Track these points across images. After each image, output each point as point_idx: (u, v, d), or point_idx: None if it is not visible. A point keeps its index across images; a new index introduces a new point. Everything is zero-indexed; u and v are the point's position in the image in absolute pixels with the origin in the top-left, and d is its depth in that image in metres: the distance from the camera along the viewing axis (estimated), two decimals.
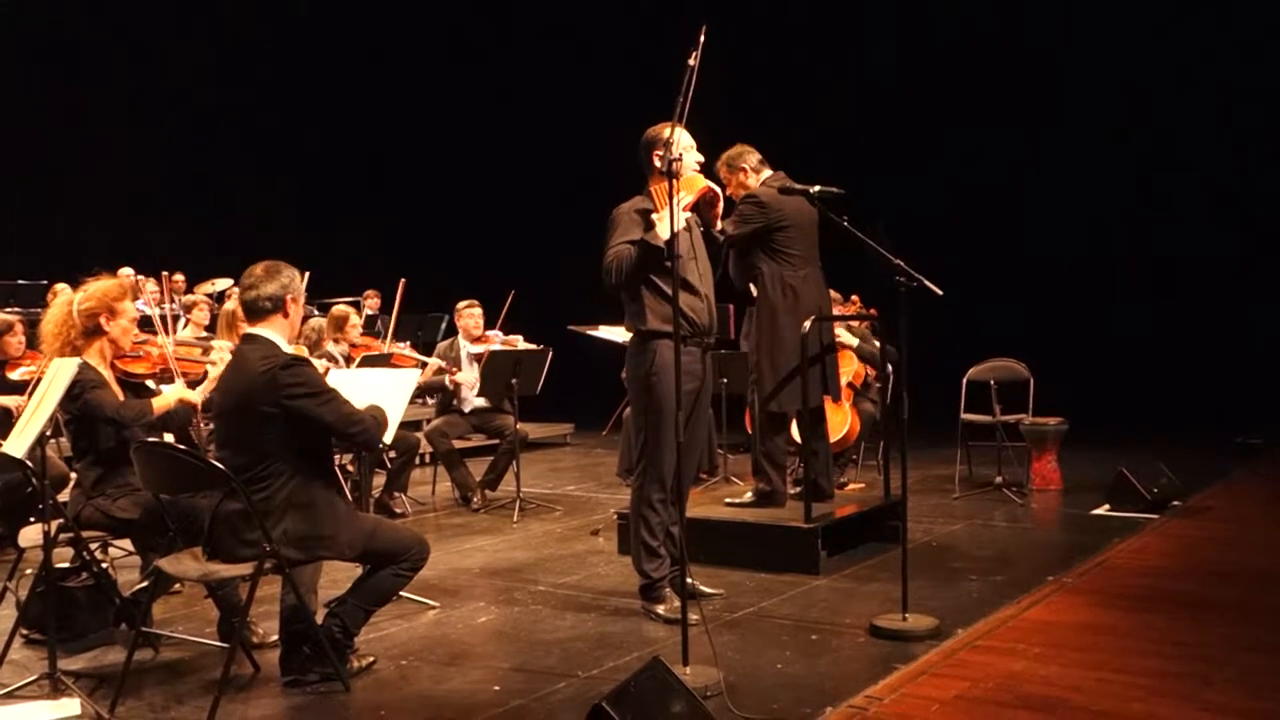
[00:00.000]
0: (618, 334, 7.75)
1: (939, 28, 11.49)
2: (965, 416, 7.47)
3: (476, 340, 7.74)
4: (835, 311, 7.02)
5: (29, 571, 4.66)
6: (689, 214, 4.58)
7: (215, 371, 4.50)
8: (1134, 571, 5.28)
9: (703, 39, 3.82)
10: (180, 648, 4.37)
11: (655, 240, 4.40)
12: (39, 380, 3.98)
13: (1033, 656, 3.99)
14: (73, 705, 3.71)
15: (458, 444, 7.58)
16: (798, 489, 5.77)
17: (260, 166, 14.52)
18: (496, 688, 3.86)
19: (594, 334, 8.30)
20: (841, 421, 6.86)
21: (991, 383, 7.35)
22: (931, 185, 11.49)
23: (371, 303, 12.13)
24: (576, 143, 12.42)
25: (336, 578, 4.70)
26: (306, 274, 4.06)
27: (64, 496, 4.54)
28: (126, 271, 10.89)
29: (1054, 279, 11.19)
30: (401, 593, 4.31)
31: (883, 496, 6.14)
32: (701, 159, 4.68)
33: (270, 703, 3.78)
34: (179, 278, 11.98)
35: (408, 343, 8.62)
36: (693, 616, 3.96)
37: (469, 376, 7.53)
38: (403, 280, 7.23)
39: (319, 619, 3.96)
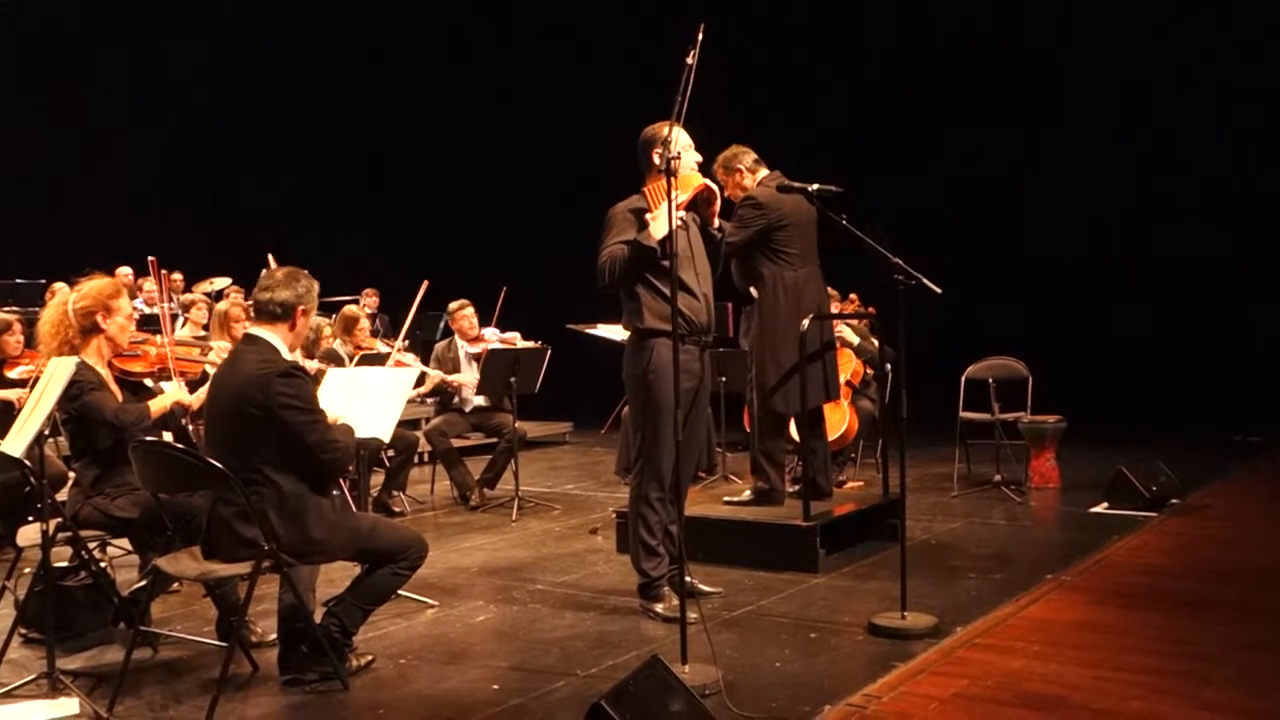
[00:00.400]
0: (616, 332, 7.75)
1: (938, 27, 11.49)
2: (964, 415, 7.47)
3: (473, 340, 7.74)
4: (833, 310, 7.03)
5: (27, 570, 4.67)
6: (686, 212, 4.58)
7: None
8: (1133, 570, 5.28)
9: (701, 37, 3.82)
10: (179, 647, 4.37)
11: (648, 240, 4.40)
12: (36, 379, 3.98)
13: (1031, 655, 3.99)
14: (71, 704, 3.71)
15: (456, 443, 7.59)
16: (796, 487, 5.77)
17: (259, 166, 14.52)
18: (495, 686, 3.86)
19: (592, 332, 8.29)
20: (840, 420, 6.86)
21: (990, 381, 7.35)
22: (930, 184, 11.48)
23: (370, 301, 12.13)
24: (575, 142, 12.42)
25: (335, 577, 4.70)
26: (305, 272, 4.05)
27: (62, 496, 4.54)
28: (125, 271, 10.91)
29: (1053, 277, 11.19)
30: (400, 591, 4.31)
31: (881, 495, 6.14)
32: (699, 158, 4.69)
33: (269, 702, 3.78)
34: (177, 276, 11.99)
35: (406, 342, 8.61)
36: (691, 615, 3.96)
37: (469, 377, 7.53)
38: (425, 281, 7.19)
39: (317, 618, 3.96)
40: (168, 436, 4.98)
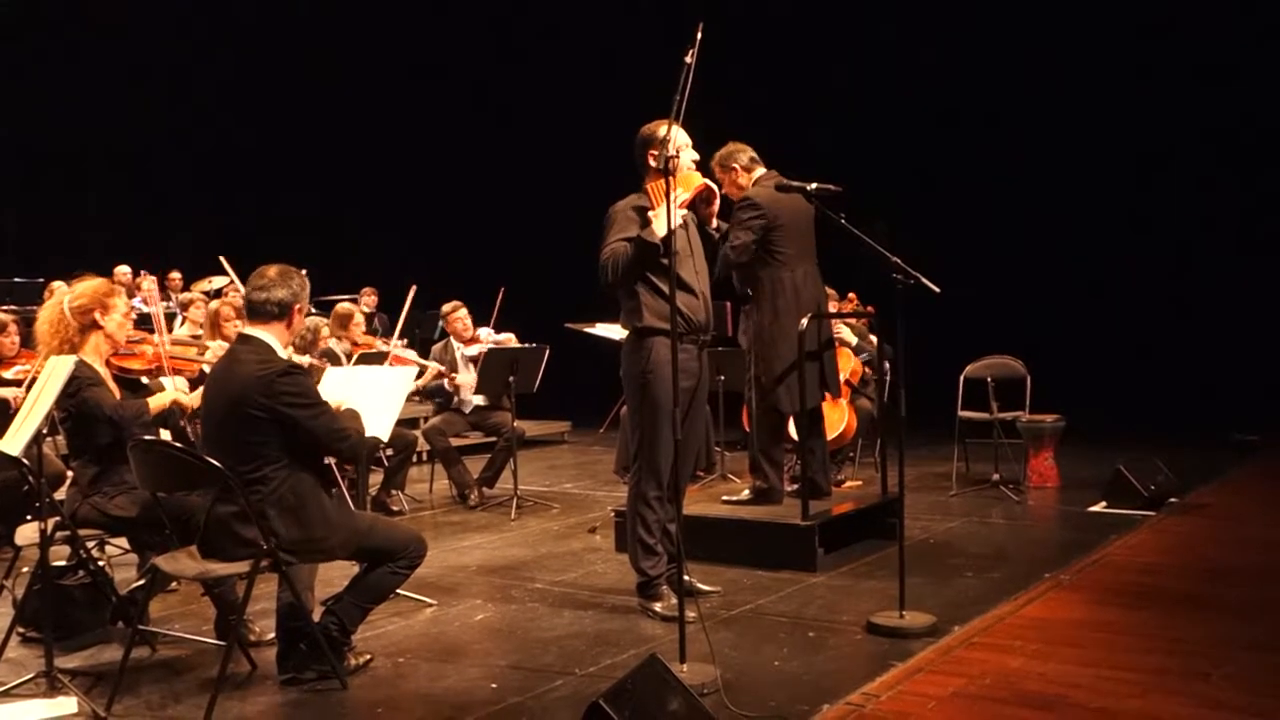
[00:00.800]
0: (615, 331, 7.74)
1: (937, 25, 11.48)
2: (962, 414, 7.47)
3: (468, 341, 7.73)
4: (832, 309, 7.03)
5: (26, 570, 4.67)
6: (685, 211, 4.57)
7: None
8: (1131, 569, 5.29)
9: (700, 36, 3.81)
10: (177, 646, 4.37)
11: (651, 237, 4.39)
12: (34, 379, 3.98)
13: (1030, 653, 4.00)
14: (69, 703, 3.71)
15: (455, 442, 7.58)
16: (795, 486, 5.77)
17: (259, 165, 14.52)
18: (494, 685, 3.86)
19: (591, 331, 8.29)
20: (839, 419, 6.86)
21: (989, 380, 7.35)
22: (929, 183, 11.48)
23: (369, 300, 12.13)
24: (574, 140, 12.41)
25: (333, 575, 4.69)
26: (303, 271, 4.05)
27: (61, 494, 4.54)
28: (123, 269, 10.91)
29: (1051, 276, 11.19)
30: (398, 590, 4.31)
31: (880, 494, 6.14)
32: (697, 157, 4.67)
33: (267, 700, 3.78)
34: (175, 275, 11.99)
35: (404, 340, 8.61)
36: (690, 614, 3.96)
37: (467, 378, 7.52)
38: (413, 285, 7.17)
39: (316, 617, 3.96)
40: (166, 435, 4.99)
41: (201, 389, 4.47)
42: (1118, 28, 10.96)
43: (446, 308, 7.88)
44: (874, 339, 7.30)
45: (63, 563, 4.48)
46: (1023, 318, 10.38)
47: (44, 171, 13.59)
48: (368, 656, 4.09)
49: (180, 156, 14.63)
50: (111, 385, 4.33)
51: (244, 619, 4.11)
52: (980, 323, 9.39)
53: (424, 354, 8.04)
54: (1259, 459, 8.56)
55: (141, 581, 4.50)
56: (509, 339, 7.95)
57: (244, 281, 4.32)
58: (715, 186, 4.71)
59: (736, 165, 5.59)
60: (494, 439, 7.55)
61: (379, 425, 4.22)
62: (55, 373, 3.86)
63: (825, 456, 5.98)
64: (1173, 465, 7.01)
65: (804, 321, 5.39)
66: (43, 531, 3.89)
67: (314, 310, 8.16)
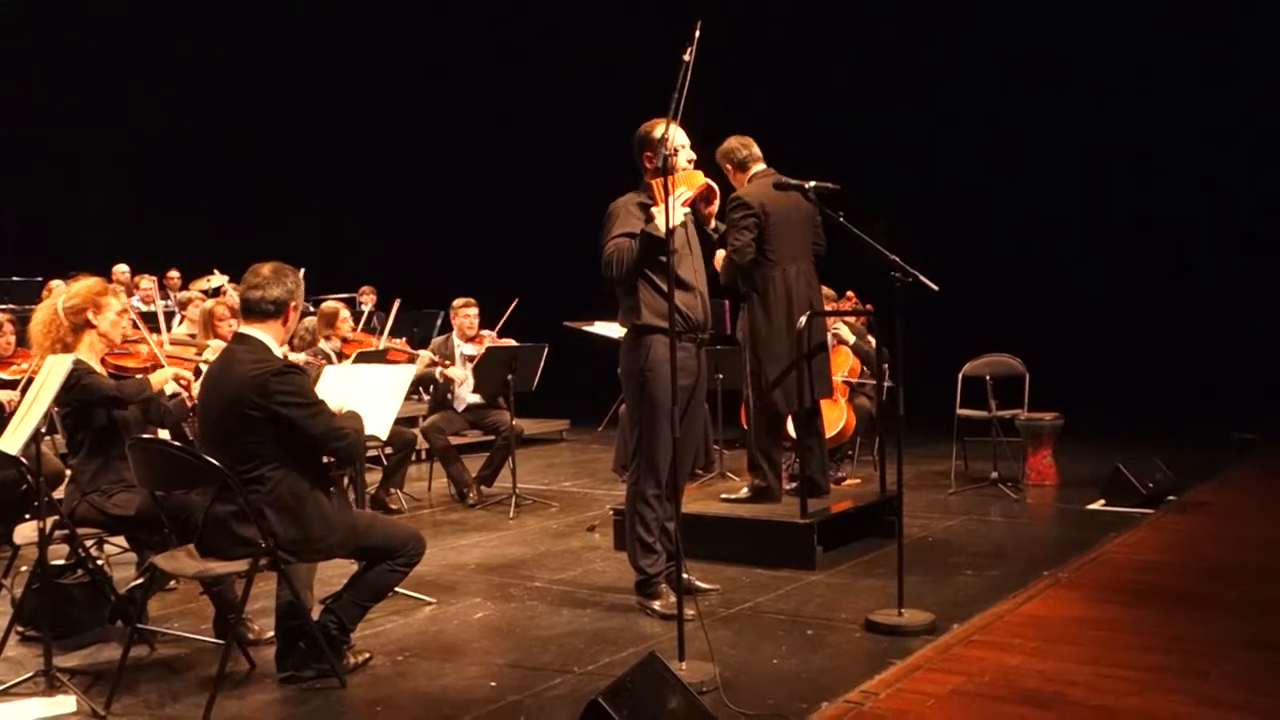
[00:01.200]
0: (613, 330, 7.74)
1: (937, 23, 11.47)
2: (961, 412, 7.47)
3: (471, 340, 7.72)
4: (830, 308, 7.03)
5: (24, 568, 4.67)
6: (686, 210, 4.57)
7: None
8: (1129, 567, 5.29)
9: (698, 34, 3.81)
10: (176, 644, 4.37)
11: (656, 232, 4.38)
12: (29, 380, 3.98)
13: (1028, 651, 4.00)
14: (68, 702, 3.71)
15: (454, 440, 7.58)
16: (794, 485, 5.77)
17: (259, 164, 14.51)
18: (492, 683, 3.86)
19: (589, 330, 8.29)
20: (837, 417, 6.86)
21: (987, 378, 7.35)
22: (927, 181, 11.48)
23: (368, 299, 12.12)
24: (573, 139, 12.40)
25: (332, 574, 4.69)
26: (301, 270, 4.05)
27: (59, 493, 4.53)
28: (122, 268, 10.91)
29: (1050, 274, 11.18)
30: (397, 589, 4.32)
31: (879, 492, 6.14)
32: (694, 157, 4.66)
33: (266, 699, 3.78)
34: (174, 274, 11.99)
35: (403, 339, 8.61)
36: (689, 612, 3.96)
37: (461, 374, 7.52)
38: (397, 300, 7.17)
39: (315, 615, 3.96)
40: (164, 434, 4.98)
41: (199, 386, 4.49)
42: (1118, 27, 10.95)
43: (458, 302, 7.86)
44: (872, 338, 7.30)
45: (61, 561, 4.48)
46: (1021, 316, 10.37)
47: (44, 171, 13.57)
48: (367, 655, 4.09)
49: (180, 156, 14.62)
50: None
51: (243, 617, 4.11)
52: (979, 321, 9.39)
53: None
54: (1257, 457, 8.56)
55: (140, 580, 4.51)
56: (508, 344, 7.95)
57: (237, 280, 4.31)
58: (716, 186, 4.70)
59: (729, 165, 5.62)
60: (492, 437, 7.55)
61: (378, 423, 4.22)
62: (53, 372, 3.86)
63: (824, 455, 5.98)
64: (1171, 463, 7.01)
65: (802, 320, 5.39)
66: (41, 530, 3.89)
67: (312, 310, 8.15)
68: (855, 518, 5.84)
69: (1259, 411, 9.46)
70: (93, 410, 4.22)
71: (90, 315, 4.30)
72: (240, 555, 3.68)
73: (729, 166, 5.61)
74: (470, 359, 7.53)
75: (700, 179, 4.57)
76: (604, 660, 4.06)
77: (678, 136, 4.50)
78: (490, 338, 7.97)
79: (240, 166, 14.67)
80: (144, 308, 8.50)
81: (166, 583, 4.99)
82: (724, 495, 5.89)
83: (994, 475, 7.41)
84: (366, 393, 4.18)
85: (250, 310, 3.84)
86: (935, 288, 4.32)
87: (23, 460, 3.95)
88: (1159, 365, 10.48)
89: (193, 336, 6.72)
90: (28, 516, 4.47)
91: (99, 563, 4.67)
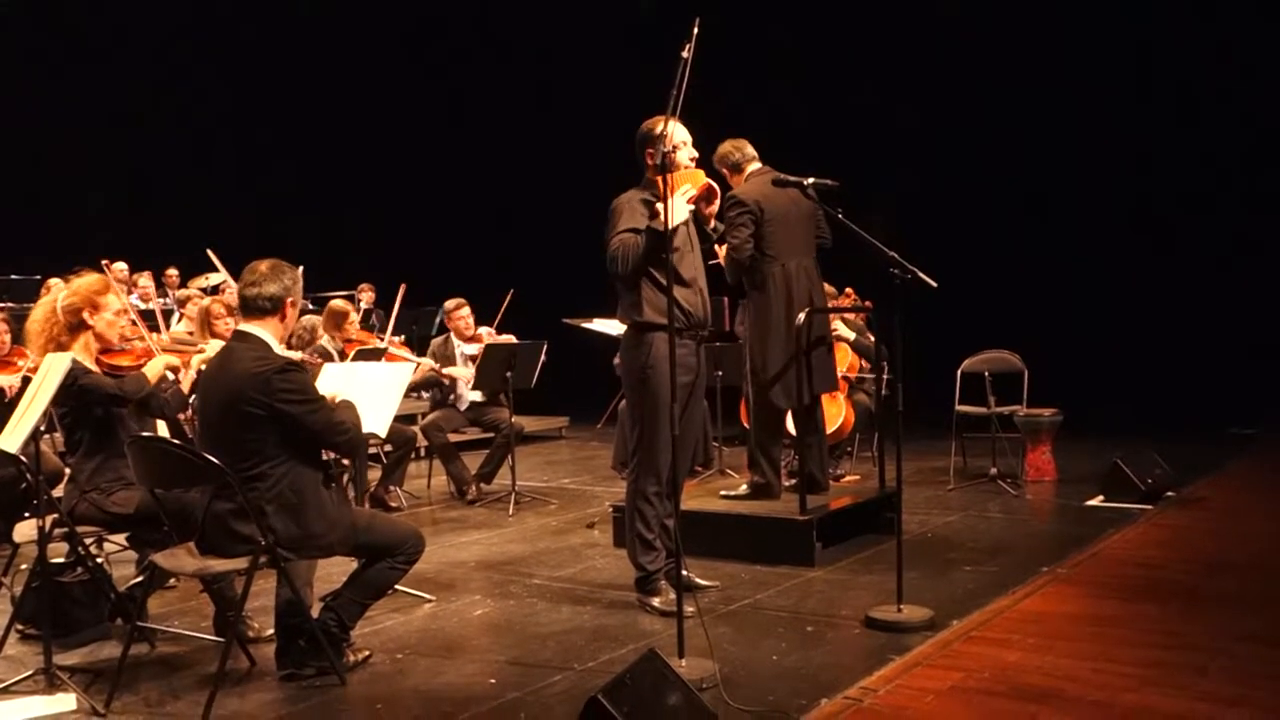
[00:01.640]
0: (612, 327, 7.75)
1: (937, 21, 11.47)
2: (960, 408, 7.48)
3: (469, 340, 7.72)
4: (829, 304, 7.03)
5: (24, 567, 4.67)
6: (691, 206, 4.57)
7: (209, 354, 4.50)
8: (1128, 562, 5.29)
9: (696, 32, 3.81)
10: (176, 642, 4.37)
11: (661, 227, 4.38)
12: (26, 378, 3.98)
13: (1027, 647, 4.01)
14: (68, 700, 3.71)
15: (453, 437, 7.58)
16: (793, 481, 5.78)
17: (259, 164, 14.50)
18: (492, 681, 3.86)
19: (589, 327, 8.29)
20: (837, 413, 6.86)
21: (986, 374, 7.35)
22: (926, 179, 11.47)
23: (366, 296, 12.12)
24: (572, 137, 12.40)
25: (332, 572, 4.70)
26: (300, 268, 4.04)
27: (59, 492, 4.53)
28: (120, 266, 10.89)
29: (1048, 271, 11.18)
30: (397, 586, 4.32)
31: (878, 488, 6.15)
32: (696, 154, 4.66)
33: (266, 697, 3.78)
34: (172, 272, 11.98)
35: (401, 336, 8.62)
36: (688, 609, 3.96)
37: (464, 372, 7.52)
38: (403, 285, 7.16)
39: (315, 613, 3.96)
40: (163, 431, 4.98)
41: (197, 380, 4.49)
42: (1118, 26, 10.95)
43: (449, 304, 7.86)
44: (871, 334, 7.30)
45: (61, 560, 4.48)
46: (1020, 312, 10.37)
47: (44, 171, 13.55)
48: (366, 652, 4.10)
49: (180, 156, 14.61)
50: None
51: (243, 615, 4.11)
52: (977, 317, 9.40)
53: (422, 351, 8.03)
54: (1256, 452, 8.57)
55: (140, 578, 4.51)
56: (508, 340, 7.95)
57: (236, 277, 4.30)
58: (718, 187, 4.69)
59: (724, 169, 5.66)
60: (492, 434, 7.55)
61: (377, 421, 4.23)
62: (52, 370, 3.86)
63: (823, 451, 5.98)
64: (1170, 459, 7.02)
65: (801, 316, 5.39)
66: (41, 528, 3.89)
67: (311, 307, 8.15)
68: (854, 514, 5.85)
69: (1257, 407, 9.47)
70: (91, 409, 4.22)
71: (87, 315, 4.29)
72: (240, 553, 3.68)
73: (725, 170, 5.66)
74: (472, 358, 7.53)
75: (701, 177, 4.57)
76: (604, 657, 4.07)
77: (678, 133, 4.51)
78: (489, 334, 7.97)
79: (240, 166, 14.65)
80: (142, 305, 8.50)
81: (166, 581, 4.99)
82: (723, 492, 5.89)
83: (993, 471, 7.41)
84: (366, 390, 4.18)
85: (248, 308, 3.84)
86: (934, 284, 4.32)
87: (22, 459, 3.95)
88: (1157, 361, 10.49)
89: (191, 334, 6.71)
90: (27, 515, 4.47)
91: (99, 561, 4.66)
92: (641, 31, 10.84)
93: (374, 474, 7.26)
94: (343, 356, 6.80)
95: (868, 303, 7.90)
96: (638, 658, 3.31)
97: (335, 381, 4.34)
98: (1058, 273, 11.19)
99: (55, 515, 4.16)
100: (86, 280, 4.38)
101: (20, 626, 4.36)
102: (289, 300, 3.86)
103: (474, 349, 7.58)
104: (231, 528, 3.69)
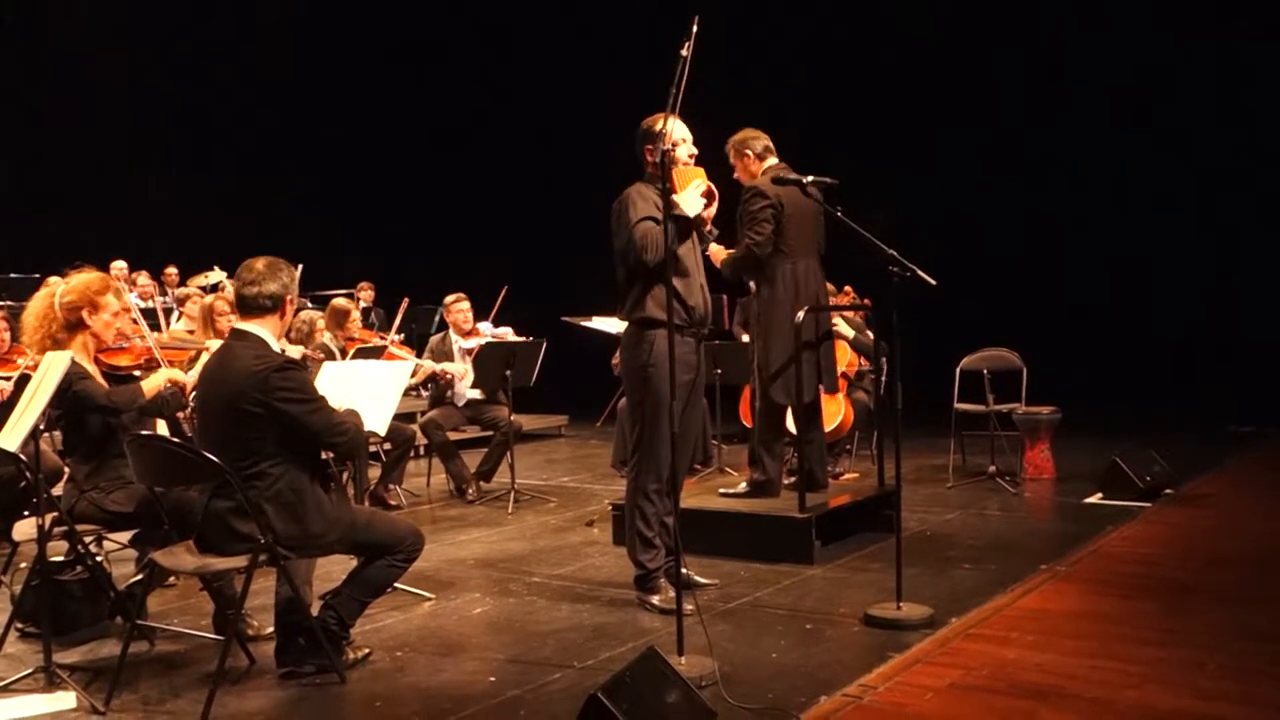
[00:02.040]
0: (611, 325, 7.76)
1: (937, 18, 11.46)
2: (959, 406, 7.48)
3: (467, 335, 7.72)
4: (829, 302, 7.03)
5: (23, 565, 4.67)
6: (704, 200, 4.55)
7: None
8: (1127, 559, 5.30)
9: (695, 29, 3.81)
10: (175, 641, 4.37)
11: (685, 211, 4.39)
12: (24, 376, 3.97)
13: (1026, 645, 4.01)
14: (68, 698, 3.71)
15: (452, 435, 7.58)
16: (792, 479, 5.78)
17: (259, 163, 14.50)
18: (492, 679, 3.87)
19: (588, 325, 8.30)
20: (836, 411, 6.86)
21: (985, 372, 7.36)
22: (925, 177, 11.47)
23: (365, 295, 12.11)
24: (572, 136, 12.40)
25: (332, 570, 4.70)
26: (300, 266, 4.05)
27: (58, 490, 4.53)
28: (120, 265, 10.89)
29: (1047, 269, 11.19)
30: (396, 584, 4.32)
31: (877, 486, 6.15)
32: (695, 151, 4.65)
33: (266, 695, 3.79)
34: (171, 270, 11.98)
35: (401, 335, 8.61)
36: (688, 607, 3.96)
37: (460, 368, 7.52)
38: (405, 299, 7.15)
39: (314, 611, 3.96)
40: (162, 429, 4.98)
41: (196, 378, 4.47)
42: (1118, 24, 10.94)
43: (449, 299, 7.85)
44: (870, 332, 7.30)
45: (60, 558, 4.48)
46: (1018, 310, 10.38)
47: (44, 171, 13.55)
48: (366, 650, 4.10)
49: (179, 155, 14.60)
50: (100, 382, 4.31)
51: (242, 613, 4.11)
52: (976, 315, 9.40)
53: (420, 350, 8.03)
54: (1254, 450, 8.58)
55: (139, 576, 4.51)
56: (506, 334, 7.95)
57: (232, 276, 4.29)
58: (716, 190, 4.67)
59: (750, 152, 5.59)
60: (491, 433, 7.55)
61: (376, 419, 4.23)
62: (51, 368, 3.86)
63: (823, 449, 5.98)
64: (1169, 456, 7.02)
65: (800, 314, 5.40)
66: (40, 527, 3.88)
67: (310, 305, 8.15)
68: (853, 512, 5.85)
69: (1256, 404, 9.47)
70: (86, 416, 4.21)
71: (84, 315, 4.27)
72: (239, 551, 3.68)
73: (748, 154, 5.58)
74: (469, 353, 7.54)
75: (702, 176, 4.57)
76: (603, 655, 4.07)
77: (678, 130, 4.50)
78: (487, 330, 7.97)
79: (239, 165, 14.64)
80: (142, 304, 8.49)
81: (166, 579, 4.99)
82: (722, 490, 5.89)
83: (992, 469, 7.42)
84: (365, 388, 4.18)
85: (246, 306, 3.84)
86: (933, 282, 4.32)
87: (22, 457, 3.95)
88: (1156, 359, 10.50)
89: (191, 333, 6.71)
90: (26, 513, 4.46)
91: (98, 559, 4.66)
92: (641, 27, 10.83)
93: (373, 472, 7.26)
94: (344, 354, 6.81)
95: (866, 300, 7.90)
96: (637, 655, 3.31)
97: (335, 379, 4.34)
98: (1056, 271, 11.20)
99: (55, 513, 4.16)
100: (86, 278, 4.36)
101: (20, 625, 4.36)
102: (287, 298, 3.86)
103: (472, 344, 7.58)
104: (231, 526, 3.69)
